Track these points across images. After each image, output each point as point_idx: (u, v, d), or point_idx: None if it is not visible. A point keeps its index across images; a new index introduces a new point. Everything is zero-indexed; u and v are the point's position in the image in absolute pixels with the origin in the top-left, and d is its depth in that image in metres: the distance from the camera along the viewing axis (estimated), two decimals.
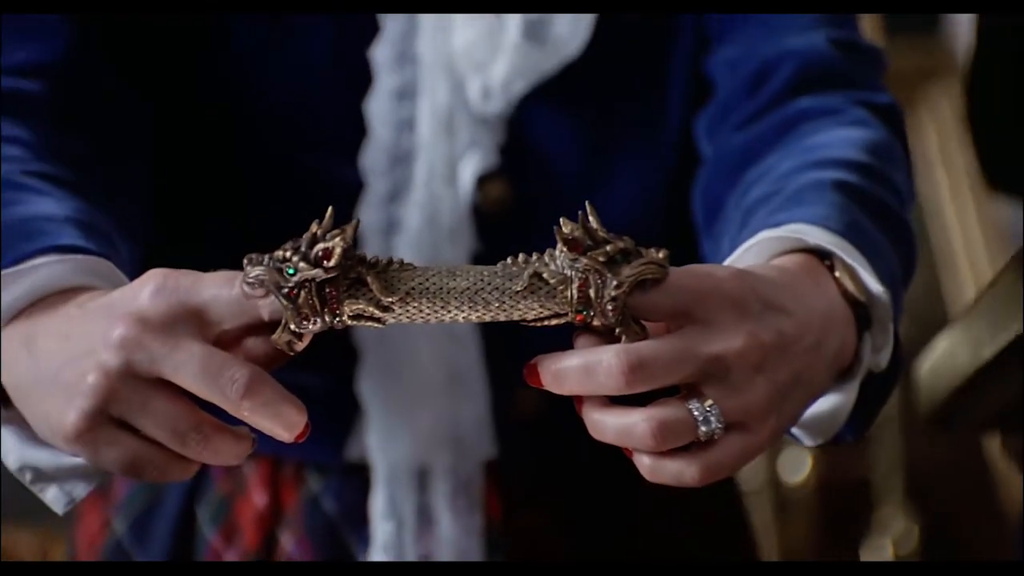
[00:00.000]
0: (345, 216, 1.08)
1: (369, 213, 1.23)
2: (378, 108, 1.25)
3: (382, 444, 1.25)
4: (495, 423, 1.27)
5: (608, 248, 0.91)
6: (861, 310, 1.01)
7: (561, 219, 0.92)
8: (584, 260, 0.91)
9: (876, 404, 1.04)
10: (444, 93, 1.25)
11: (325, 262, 0.90)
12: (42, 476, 1.00)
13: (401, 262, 0.93)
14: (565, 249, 0.91)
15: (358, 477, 1.28)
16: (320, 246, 0.91)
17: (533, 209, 1.22)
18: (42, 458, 0.99)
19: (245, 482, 1.29)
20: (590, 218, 0.92)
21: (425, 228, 1.23)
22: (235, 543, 1.29)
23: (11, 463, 1.00)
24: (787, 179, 1.10)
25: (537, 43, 1.24)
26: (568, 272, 0.92)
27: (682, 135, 1.28)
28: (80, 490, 1.00)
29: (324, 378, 1.25)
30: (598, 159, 1.27)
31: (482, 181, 1.23)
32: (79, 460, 0.98)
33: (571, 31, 1.24)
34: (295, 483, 1.29)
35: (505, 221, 1.24)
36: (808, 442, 1.05)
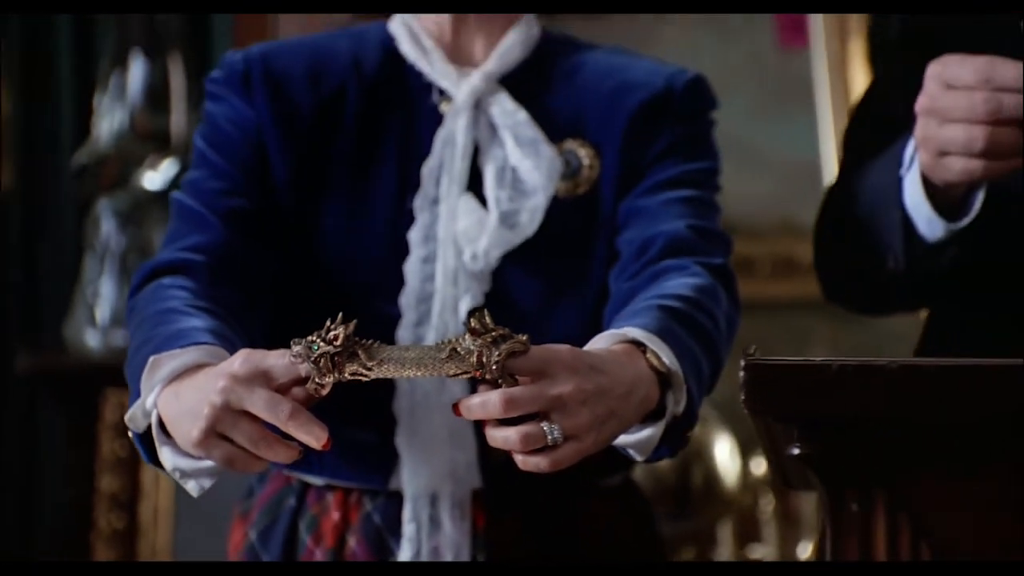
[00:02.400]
0: (387, 338, 1.57)
1: (403, 334, 1.67)
2: (412, 268, 1.69)
3: (410, 478, 1.68)
4: (480, 465, 1.68)
5: (493, 334, 1.36)
6: (663, 377, 1.46)
7: (469, 317, 1.38)
8: (479, 340, 1.36)
9: (679, 436, 1.48)
10: (451, 258, 1.68)
11: (334, 343, 1.37)
12: (185, 474, 1.46)
13: (378, 342, 1.39)
14: (469, 335, 1.38)
15: (395, 500, 1.69)
16: (332, 334, 1.37)
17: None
18: (184, 463, 1.45)
19: (328, 505, 1.71)
20: (485, 318, 1.38)
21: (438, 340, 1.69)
22: (320, 544, 1.71)
23: (168, 466, 1.46)
24: (636, 305, 1.55)
25: (508, 227, 1.68)
26: (471, 347, 1.36)
27: (601, 285, 1.69)
28: (206, 482, 1.47)
29: (376, 437, 1.68)
30: (546, 300, 1.69)
31: (473, 312, 1.67)
32: (205, 463, 1.45)
33: (530, 220, 1.68)
34: (357, 505, 1.71)
35: None
36: (638, 458, 1.48)
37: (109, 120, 3.46)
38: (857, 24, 3.55)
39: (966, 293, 1.80)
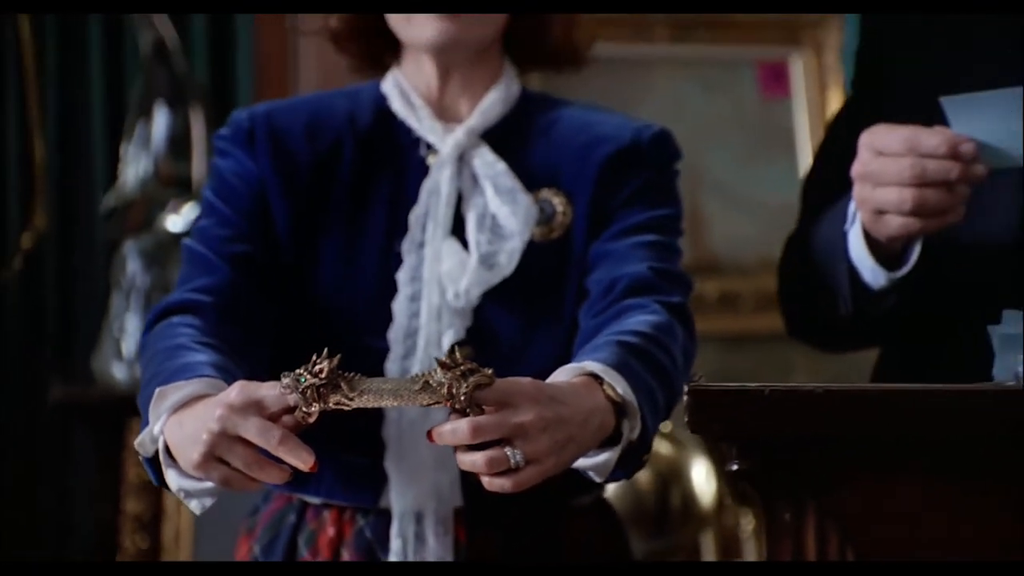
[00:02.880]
0: (376, 371, 1.66)
1: (391, 367, 1.75)
2: (399, 306, 1.77)
3: (397, 498, 1.76)
4: (461, 486, 1.76)
5: (462, 368, 1.46)
6: (619, 407, 1.55)
7: (437, 357, 1.48)
8: (449, 374, 1.45)
9: (635, 460, 1.57)
10: (435, 296, 1.77)
11: (320, 375, 1.46)
12: (188, 494, 1.56)
13: (359, 375, 1.48)
14: (440, 369, 1.47)
15: (384, 517, 1.77)
16: (317, 367, 1.47)
17: (484, 361, 1.63)
18: (188, 484, 1.55)
19: (324, 522, 1.80)
20: (455, 354, 1.48)
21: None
22: (317, 557, 1.79)
23: (173, 487, 1.56)
24: (598, 341, 1.64)
25: (487, 268, 1.77)
26: (442, 380, 1.45)
27: (573, 321, 1.77)
28: (207, 501, 1.56)
29: (367, 460, 1.76)
30: (523, 334, 1.78)
31: (456, 347, 1.75)
32: (206, 484, 1.54)
33: (508, 262, 1.76)
34: (351, 522, 1.79)
35: None
36: (597, 479, 1.57)
37: (135, 167, 3.50)
38: (835, 76, 3.63)
39: (909, 334, 1.90)
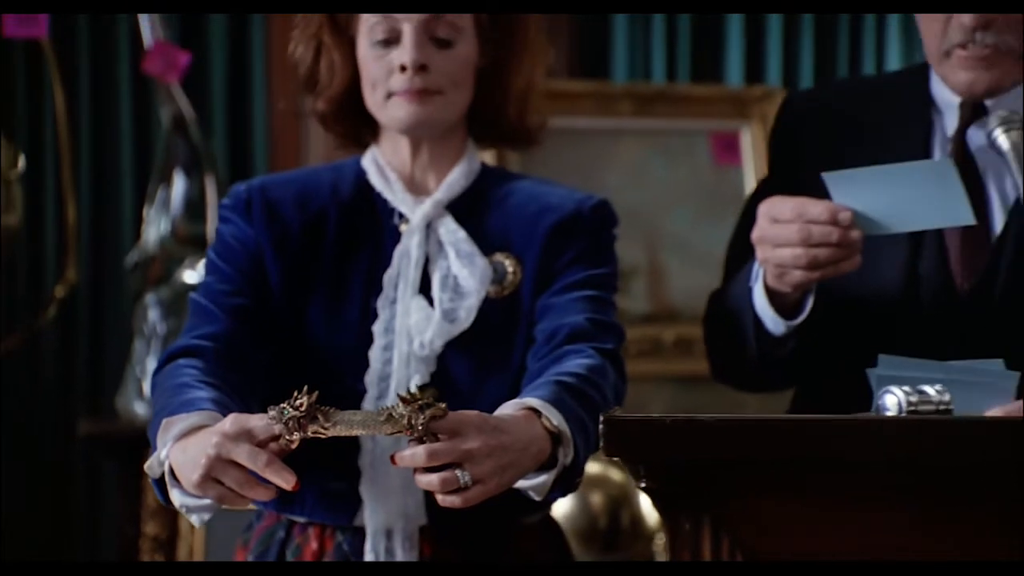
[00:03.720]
0: (354, 404, 1.81)
1: (367, 406, 1.88)
2: (375, 354, 1.91)
3: (371, 517, 1.89)
4: (426, 506, 1.89)
5: (419, 402, 1.61)
6: (555, 436, 1.70)
7: (399, 393, 1.64)
8: (409, 407, 1.61)
9: (569, 482, 1.73)
10: (405, 346, 1.90)
11: (300, 409, 1.62)
12: (189, 509, 1.71)
13: (333, 408, 1.63)
14: (401, 403, 1.63)
15: (360, 533, 1.90)
16: (298, 401, 1.62)
17: (445, 400, 1.75)
18: (189, 501, 1.70)
19: (308, 537, 1.93)
20: (413, 390, 1.64)
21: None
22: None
23: (176, 504, 1.70)
24: (539, 380, 1.79)
25: (449, 322, 1.90)
26: (403, 413, 1.61)
27: (522, 365, 1.90)
28: (205, 515, 1.71)
29: (345, 485, 1.90)
30: (479, 377, 1.91)
31: (422, 388, 1.88)
32: (204, 501, 1.69)
33: (466, 316, 1.90)
34: (331, 538, 1.92)
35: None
36: (536, 498, 1.72)
37: (156, 227, 3.58)
38: None
39: (810, 375, 2.05)
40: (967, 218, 1.85)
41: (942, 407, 1.59)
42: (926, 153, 2.04)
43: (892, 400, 1.60)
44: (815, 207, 1.86)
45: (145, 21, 3.58)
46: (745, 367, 2.05)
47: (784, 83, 4.77)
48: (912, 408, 1.58)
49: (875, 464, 1.52)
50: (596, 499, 2.91)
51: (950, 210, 1.84)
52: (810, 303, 1.93)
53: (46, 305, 3.53)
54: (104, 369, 4.09)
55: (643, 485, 1.54)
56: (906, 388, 1.59)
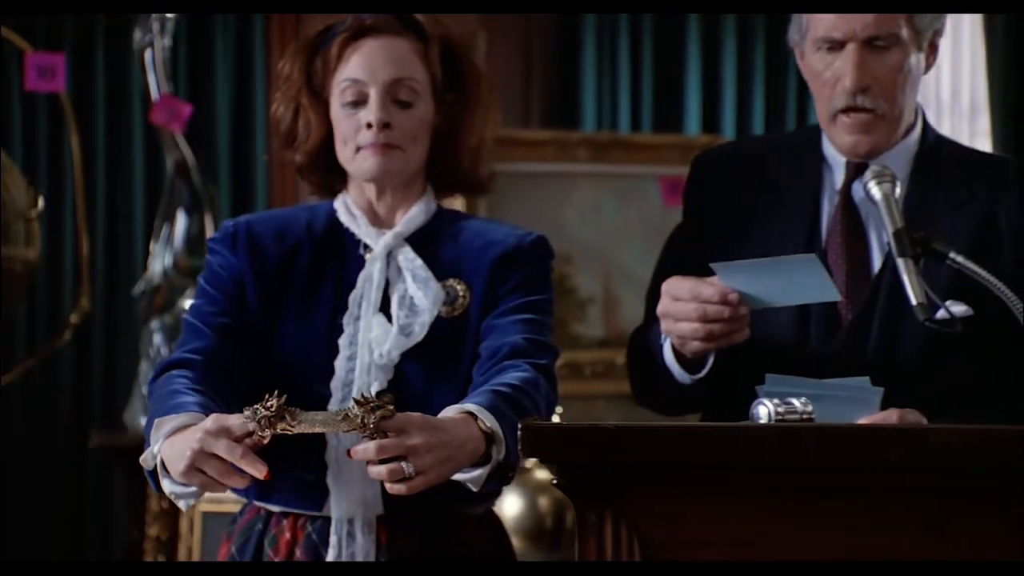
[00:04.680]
0: (321, 407, 1.96)
1: (332, 408, 2.00)
2: (340, 364, 2.03)
3: (335, 507, 2.01)
4: (383, 497, 1.99)
5: (371, 404, 1.76)
6: (489, 436, 1.84)
7: (355, 396, 1.80)
8: (363, 408, 1.76)
9: (503, 475, 1.87)
10: (367, 357, 2.02)
11: (270, 409, 1.77)
12: (177, 496, 1.85)
13: (299, 409, 1.78)
14: (356, 405, 1.78)
15: (326, 522, 2.02)
16: (269, 403, 1.77)
17: (401, 405, 1.89)
18: (177, 488, 1.84)
19: (283, 528, 2.05)
20: (366, 395, 1.79)
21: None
22: (278, 554, 2.04)
23: (167, 491, 1.85)
24: (479, 389, 1.92)
25: (405, 336, 2.03)
26: (357, 413, 1.75)
27: (468, 376, 2.03)
28: (191, 500, 1.85)
29: (314, 478, 2.01)
30: (430, 385, 2.03)
31: (380, 394, 1.97)
32: (190, 488, 1.83)
33: (420, 331, 2.03)
34: (302, 528, 2.04)
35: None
36: (474, 488, 1.86)
37: (160, 261, 3.71)
38: None
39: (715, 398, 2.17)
40: (833, 295, 2.00)
41: (805, 416, 1.73)
42: (816, 204, 2.17)
43: (763, 410, 1.75)
44: (707, 289, 1.98)
45: (153, 75, 3.73)
46: (659, 401, 2.20)
47: (737, 132, 4.96)
48: (780, 417, 1.73)
49: (747, 464, 1.65)
50: (543, 502, 3.02)
51: (817, 290, 1.99)
52: (711, 360, 2.05)
53: (62, 330, 3.62)
54: (116, 387, 4.23)
55: (555, 482, 1.67)
56: (775, 400, 1.74)
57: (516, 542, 2.81)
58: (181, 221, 3.74)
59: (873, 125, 2.12)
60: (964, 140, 5.24)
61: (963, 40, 5.30)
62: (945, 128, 5.29)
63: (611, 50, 4.92)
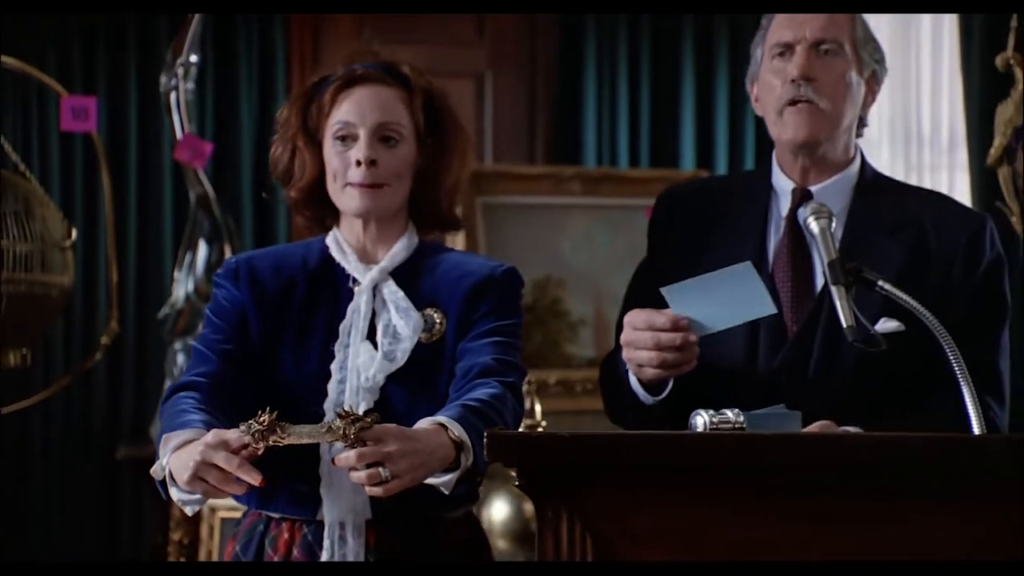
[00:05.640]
0: (314, 420, 2.10)
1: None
2: (332, 386, 2.17)
3: (328, 512, 2.15)
4: (370, 504, 2.13)
5: (351, 417, 1.92)
6: (458, 445, 1.99)
7: (337, 409, 1.96)
8: (344, 421, 1.90)
9: (472, 480, 2.02)
10: (355, 380, 2.17)
11: (263, 424, 1.93)
12: (184, 502, 2.01)
13: (288, 423, 1.93)
14: (339, 419, 1.93)
15: (320, 526, 2.16)
16: (262, 418, 1.93)
17: (386, 420, 2.05)
18: (183, 496, 2.01)
19: (282, 530, 2.19)
20: (347, 409, 1.96)
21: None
22: (277, 554, 2.18)
23: (174, 498, 2.01)
24: (452, 404, 2.08)
25: (388, 361, 2.17)
26: (340, 425, 1.91)
27: (445, 394, 2.17)
28: (196, 506, 2.03)
29: (308, 487, 2.16)
30: (411, 404, 2.16)
31: (367, 412, 2.11)
32: (194, 496, 2.00)
33: (402, 356, 2.17)
34: (299, 530, 2.18)
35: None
36: (445, 491, 1.99)
37: (183, 287, 3.85)
38: None
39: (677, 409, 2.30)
40: (769, 310, 2.13)
41: (737, 425, 1.90)
42: (764, 229, 2.32)
43: (700, 420, 1.91)
44: (660, 318, 2.11)
45: (177, 116, 3.89)
46: (628, 418, 2.33)
47: (729, 167, 5.12)
48: (714, 427, 1.89)
49: (686, 466, 1.81)
50: (528, 507, 3.14)
51: (755, 305, 2.12)
52: (670, 384, 2.19)
53: (94, 350, 3.76)
54: (145, 402, 4.40)
55: (517, 484, 1.82)
56: (711, 411, 1.90)
57: (503, 544, 3.00)
58: (202, 250, 3.86)
59: (814, 115, 2.27)
60: (943, 173, 5.38)
61: (942, 75, 5.39)
62: (924, 161, 5.41)
63: (611, 91, 5.10)
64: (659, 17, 5.08)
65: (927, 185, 5.34)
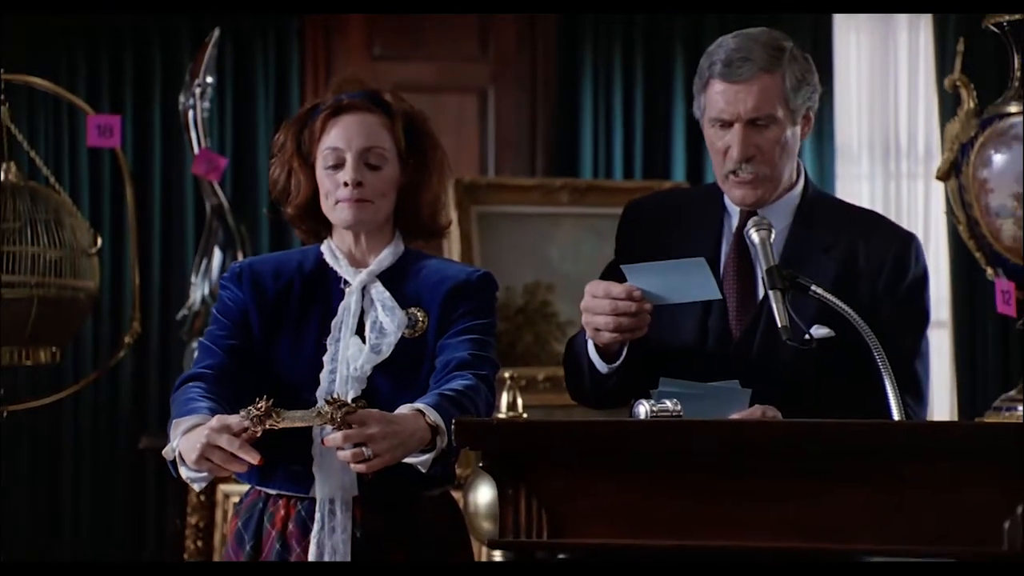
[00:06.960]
0: (306, 406, 2.25)
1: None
2: (324, 376, 2.32)
3: (319, 489, 2.30)
4: (358, 482, 2.29)
5: (338, 402, 2.08)
6: (434, 429, 2.14)
7: (326, 396, 2.14)
8: (332, 405, 2.07)
9: (446, 461, 2.18)
10: (345, 371, 2.31)
11: (260, 409, 2.09)
12: (192, 480, 2.18)
13: (282, 409, 2.09)
14: (327, 404, 2.09)
15: (312, 502, 2.31)
16: (259, 404, 2.09)
17: (372, 407, 2.22)
18: (191, 474, 2.17)
19: (279, 506, 2.34)
20: (335, 396, 2.13)
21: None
22: (275, 529, 2.33)
23: (184, 476, 2.18)
24: (429, 392, 2.24)
25: (375, 354, 2.32)
26: (328, 410, 2.07)
27: (425, 385, 2.31)
28: (203, 484, 2.19)
29: (302, 467, 2.31)
30: (396, 392, 2.30)
31: (355, 400, 2.28)
32: (201, 474, 2.17)
33: (387, 350, 2.32)
34: (294, 506, 2.33)
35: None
36: (422, 470, 2.15)
37: (199, 290, 3.98)
38: None
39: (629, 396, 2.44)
40: (714, 294, 2.30)
41: (675, 414, 2.07)
42: (717, 244, 2.47)
43: (641, 409, 2.08)
44: (617, 287, 2.27)
45: (194, 132, 4.06)
46: (586, 393, 2.47)
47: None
48: (654, 415, 2.06)
49: (629, 450, 1.96)
50: None
51: (703, 290, 2.29)
52: (624, 353, 2.34)
53: (119, 349, 3.86)
54: (168, 397, 4.54)
55: (481, 464, 1.97)
56: (651, 401, 2.07)
57: (488, 525, 3.12)
58: (217, 257, 4.00)
59: (757, 183, 2.42)
60: (920, 181, 5.53)
61: (919, 90, 5.53)
62: (902, 170, 5.56)
63: (606, 107, 5.25)
64: (652, 37, 5.25)
65: (904, 192, 5.54)
